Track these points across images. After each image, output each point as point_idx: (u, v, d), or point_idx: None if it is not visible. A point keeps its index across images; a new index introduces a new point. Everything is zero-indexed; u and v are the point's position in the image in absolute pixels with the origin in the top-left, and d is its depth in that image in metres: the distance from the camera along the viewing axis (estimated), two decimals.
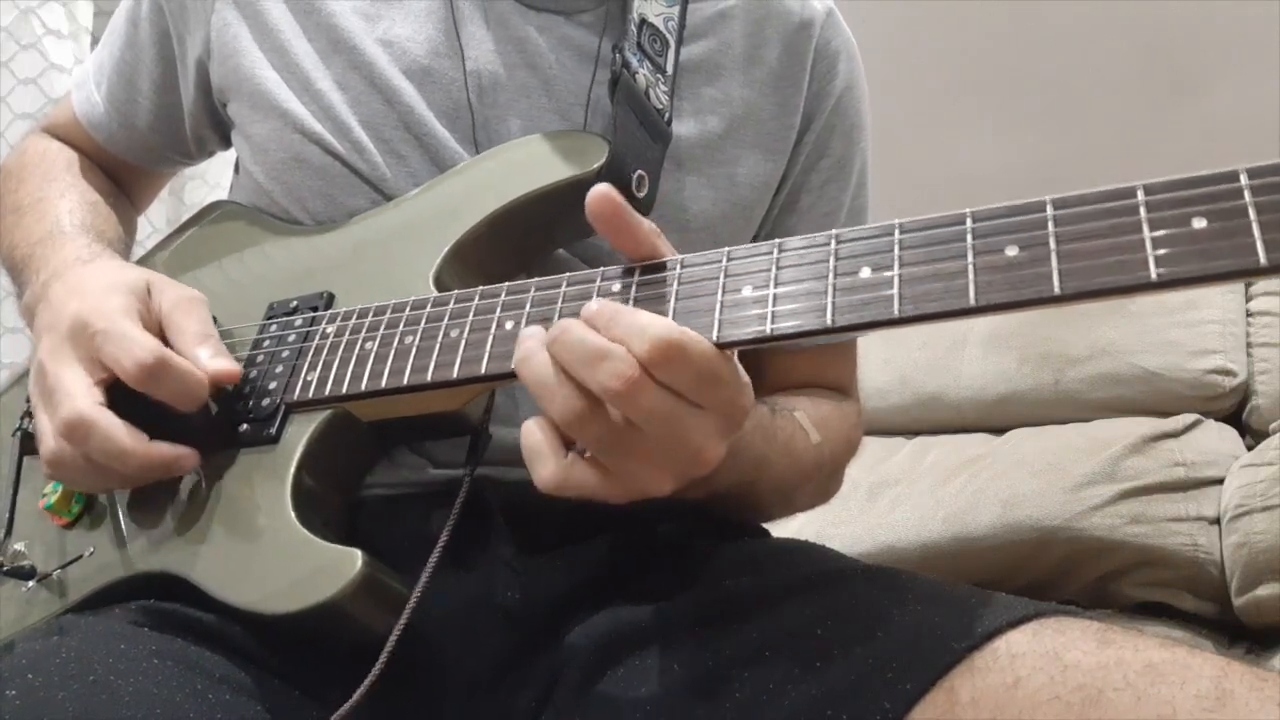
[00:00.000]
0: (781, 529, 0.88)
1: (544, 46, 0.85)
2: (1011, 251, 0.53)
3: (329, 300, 0.78)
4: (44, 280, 0.81)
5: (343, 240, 0.82)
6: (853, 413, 0.95)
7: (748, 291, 0.60)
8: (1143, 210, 0.51)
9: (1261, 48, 1.93)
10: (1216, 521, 1.54)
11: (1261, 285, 1.78)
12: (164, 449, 0.70)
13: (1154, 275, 0.49)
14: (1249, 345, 1.73)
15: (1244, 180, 0.49)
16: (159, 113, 0.97)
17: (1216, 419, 1.70)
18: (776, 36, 0.90)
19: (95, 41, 2.01)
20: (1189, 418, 1.66)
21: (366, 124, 0.82)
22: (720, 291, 0.61)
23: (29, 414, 0.83)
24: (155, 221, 1.92)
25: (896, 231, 0.57)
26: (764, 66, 0.89)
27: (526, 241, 0.80)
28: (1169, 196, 0.51)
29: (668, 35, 0.85)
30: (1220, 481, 1.57)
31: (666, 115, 0.83)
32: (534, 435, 0.60)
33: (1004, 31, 2.20)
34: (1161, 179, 0.51)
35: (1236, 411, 1.72)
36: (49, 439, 0.71)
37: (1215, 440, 1.65)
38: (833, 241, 0.59)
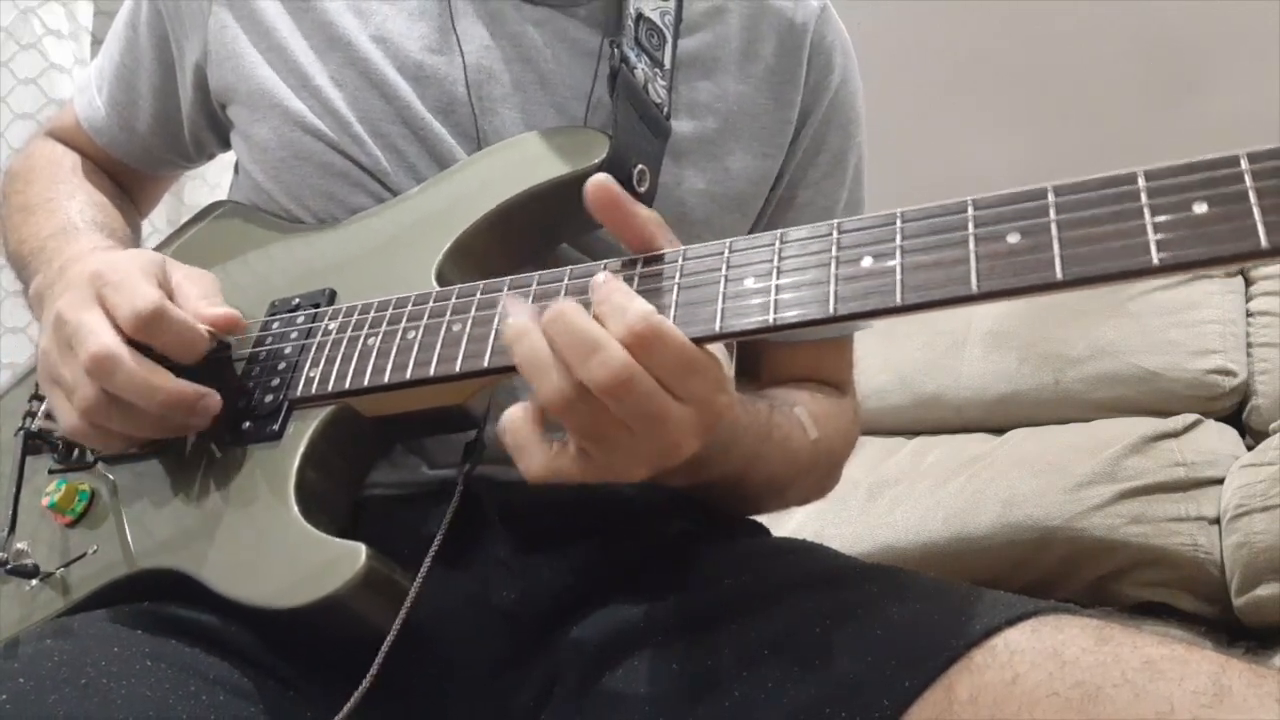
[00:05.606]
0: (782, 528, 0.88)
1: (540, 42, 0.84)
2: (1013, 238, 0.53)
3: (331, 297, 0.78)
4: (60, 266, 0.80)
5: (344, 238, 0.82)
6: (850, 409, 0.96)
7: (750, 282, 0.60)
8: (1144, 196, 0.51)
9: (1262, 48, 1.93)
10: (1216, 521, 1.54)
11: (1261, 285, 1.77)
12: (189, 385, 0.70)
13: (1156, 260, 0.49)
14: (1249, 345, 1.73)
15: (1244, 164, 0.49)
16: (158, 116, 0.97)
17: (1216, 419, 1.70)
18: (772, 32, 0.90)
19: (95, 41, 2.01)
20: (1189, 418, 1.66)
21: (364, 119, 0.82)
22: (723, 282, 0.61)
23: (31, 414, 0.83)
24: (155, 222, 1.91)
25: (898, 220, 0.57)
26: (760, 62, 0.89)
27: (529, 237, 0.79)
28: (1170, 182, 0.51)
29: (664, 29, 0.85)
30: (1220, 481, 1.57)
31: (665, 110, 0.83)
32: (520, 428, 0.60)
33: (1004, 31, 2.20)
34: (1162, 165, 0.51)
35: (1236, 411, 1.72)
36: (76, 386, 0.70)
37: (1215, 440, 1.65)
38: (834, 231, 0.59)
